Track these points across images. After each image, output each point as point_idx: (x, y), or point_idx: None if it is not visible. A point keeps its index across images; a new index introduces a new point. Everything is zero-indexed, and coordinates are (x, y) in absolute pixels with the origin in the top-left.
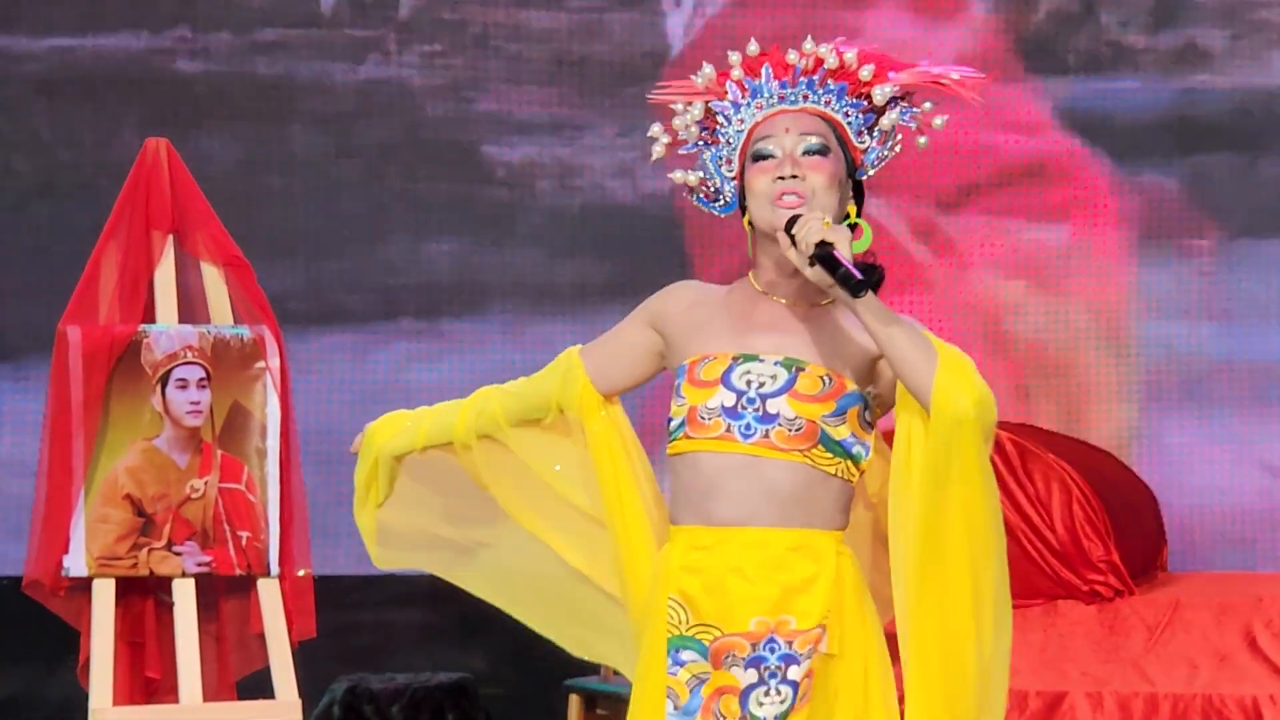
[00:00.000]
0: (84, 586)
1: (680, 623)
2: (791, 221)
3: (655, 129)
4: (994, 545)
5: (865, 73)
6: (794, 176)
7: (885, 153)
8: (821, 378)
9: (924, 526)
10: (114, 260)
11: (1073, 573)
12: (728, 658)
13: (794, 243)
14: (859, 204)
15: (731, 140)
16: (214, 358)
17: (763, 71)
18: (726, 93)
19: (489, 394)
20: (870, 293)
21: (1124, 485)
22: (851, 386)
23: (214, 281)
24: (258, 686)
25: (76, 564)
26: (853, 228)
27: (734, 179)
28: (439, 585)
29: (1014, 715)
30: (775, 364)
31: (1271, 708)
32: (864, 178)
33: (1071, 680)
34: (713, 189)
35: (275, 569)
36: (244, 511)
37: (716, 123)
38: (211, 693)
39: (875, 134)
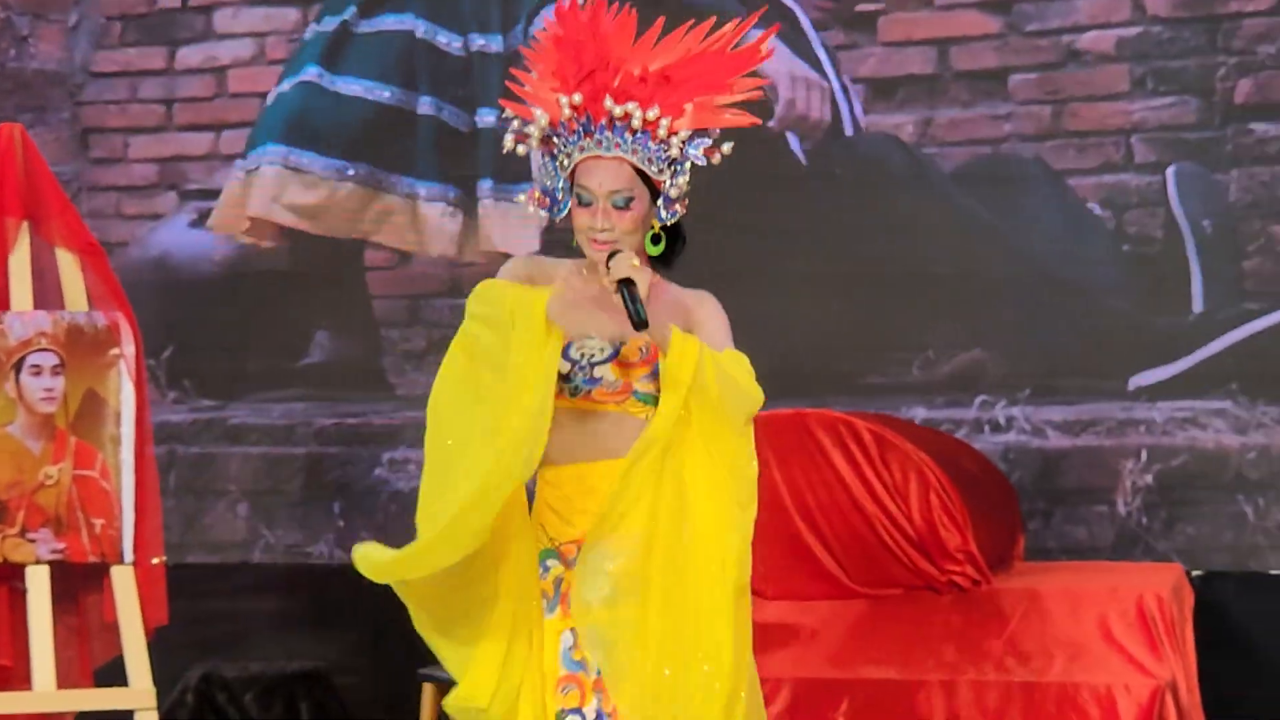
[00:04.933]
0: None
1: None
2: (613, 254)
3: (517, 125)
4: None
5: (662, 129)
6: (604, 229)
7: (682, 180)
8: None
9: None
10: None
11: (930, 563)
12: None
13: (609, 269)
14: (672, 240)
15: (564, 165)
16: (68, 344)
17: (585, 115)
18: (562, 115)
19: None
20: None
21: (981, 476)
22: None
23: (69, 268)
24: (117, 675)
25: None
26: (667, 252)
27: (563, 195)
28: (293, 575)
29: (868, 705)
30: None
31: (1126, 697)
32: (673, 218)
33: (928, 669)
34: (549, 192)
35: (129, 557)
36: (98, 499)
37: (552, 144)
38: (69, 681)
39: (674, 165)
